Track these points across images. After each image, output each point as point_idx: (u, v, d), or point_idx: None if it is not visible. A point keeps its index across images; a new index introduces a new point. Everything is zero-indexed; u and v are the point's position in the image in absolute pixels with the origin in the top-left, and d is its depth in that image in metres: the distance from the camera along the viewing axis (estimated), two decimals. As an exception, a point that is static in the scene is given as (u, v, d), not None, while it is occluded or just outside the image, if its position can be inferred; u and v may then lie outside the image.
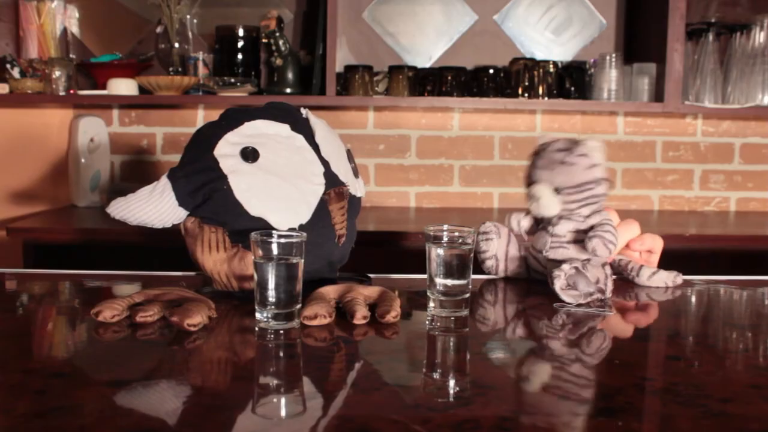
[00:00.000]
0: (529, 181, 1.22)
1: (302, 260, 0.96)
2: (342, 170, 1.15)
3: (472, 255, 1.00)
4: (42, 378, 0.77)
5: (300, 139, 1.13)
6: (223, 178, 1.07)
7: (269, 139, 1.11)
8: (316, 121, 1.17)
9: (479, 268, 1.27)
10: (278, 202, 1.08)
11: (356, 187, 1.18)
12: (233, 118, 1.13)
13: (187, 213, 1.10)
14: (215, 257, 1.09)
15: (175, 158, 1.15)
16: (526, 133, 2.62)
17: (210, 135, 1.11)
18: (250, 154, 1.08)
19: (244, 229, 1.07)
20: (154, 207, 1.08)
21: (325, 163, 1.13)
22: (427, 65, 2.59)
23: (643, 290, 1.24)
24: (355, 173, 1.20)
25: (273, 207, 1.08)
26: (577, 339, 0.98)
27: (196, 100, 2.39)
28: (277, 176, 1.09)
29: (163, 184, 1.08)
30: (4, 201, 2.40)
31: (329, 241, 1.12)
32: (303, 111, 1.17)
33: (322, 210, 1.11)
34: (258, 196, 1.07)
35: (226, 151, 1.09)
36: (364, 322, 0.97)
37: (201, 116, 2.59)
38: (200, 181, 1.08)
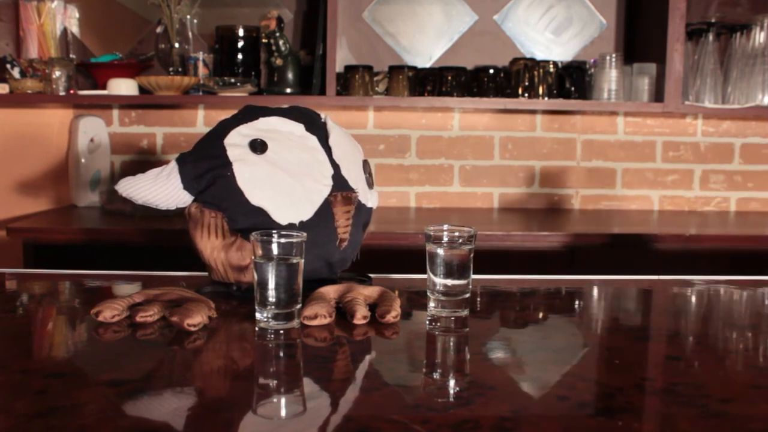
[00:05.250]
0: None
1: (302, 260, 0.96)
2: (353, 176, 1.16)
3: (472, 255, 1.00)
4: (42, 378, 0.77)
5: (313, 139, 1.14)
6: (228, 165, 1.09)
7: (281, 136, 1.13)
8: (334, 126, 1.18)
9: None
10: (280, 195, 1.09)
11: (367, 197, 1.19)
12: (250, 112, 1.15)
13: (192, 198, 1.12)
14: (213, 243, 1.10)
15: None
16: (526, 133, 2.62)
17: (224, 126, 1.14)
18: (258, 146, 1.10)
19: (244, 217, 1.08)
20: (160, 188, 1.10)
21: (336, 166, 1.14)
22: (427, 65, 2.59)
23: (642, 291, 1.24)
24: (369, 184, 1.20)
25: (274, 199, 1.09)
26: (577, 339, 0.98)
27: (196, 100, 2.39)
28: (283, 171, 1.10)
29: (171, 167, 1.11)
30: (4, 201, 2.40)
31: (330, 243, 1.13)
32: (322, 115, 1.19)
33: (326, 211, 1.11)
34: (260, 187, 1.09)
35: (236, 140, 1.11)
36: (364, 322, 0.97)
37: (201, 116, 2.59)
38: (206, 166, 1.10)
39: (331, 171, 1.13)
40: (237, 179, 1.08)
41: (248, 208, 1.08)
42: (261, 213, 1.08)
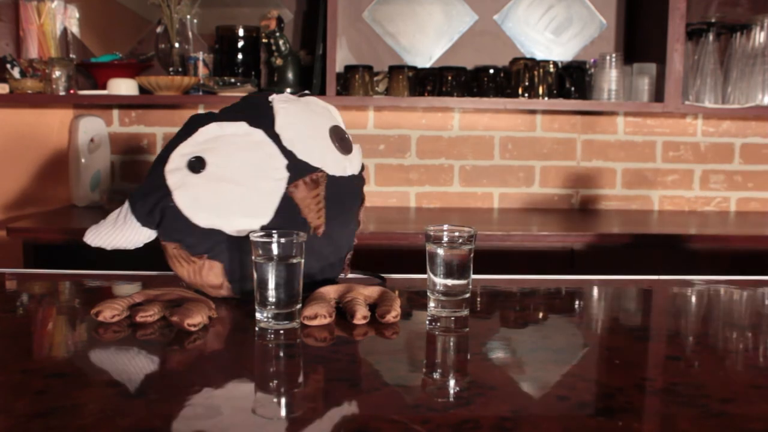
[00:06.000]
0: None
1: (302, 260, 0.96)
2: (316, 153, 1.08)
3: (472, 255, 1.00)
4: (42, 378, 0.77)
5: (258, 133, 1.07)
6: (169, 194, 1.05)
7: (222, 142, 1.07)
8: (283, 106, 1.10)
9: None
10: (230, 208, 1.04)
11: (344, 166, 1.11)
12: (190, 125, 1.10)
13: (154, 231, 1.09)
14: (187, 270, 1.07)
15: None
16: (526, 133, 2.62)
17: (165, 150, 1.09)
18: (196, 165, 1.05)
19: (200, 242, 1.05)
20: (122, 233, 1.07)
21: (289, 154, 1.07)
22: (427, 65, 2.59)
23: (642, 291, 1.24)
24: (345, 150, 1.12)
25: (225, 215, 1.04)
26: (577, 339, 0.98)
27: (196, 100, 2.39)
28: (229, 181, 1.05)
29: (125, 209, 1.08)
30: (4, 201, 2.40)
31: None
32: (271, 98, 1.12)
33: (289, 205, 1.06)
34: (206, 208, 1.04)
35: (176, 164, 1.06)
36: (364, 322, 0.97)
37: (201, 116, 2.59)
38: (153, 200, 1.06)
39: (284, 161, 1.06)
40: (180, 207, 1.04)
41: (201, 231, 1.05)
42: (215, 232, 1.05)
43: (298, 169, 1.06)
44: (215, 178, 1.05)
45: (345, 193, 1.11)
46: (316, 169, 1.07)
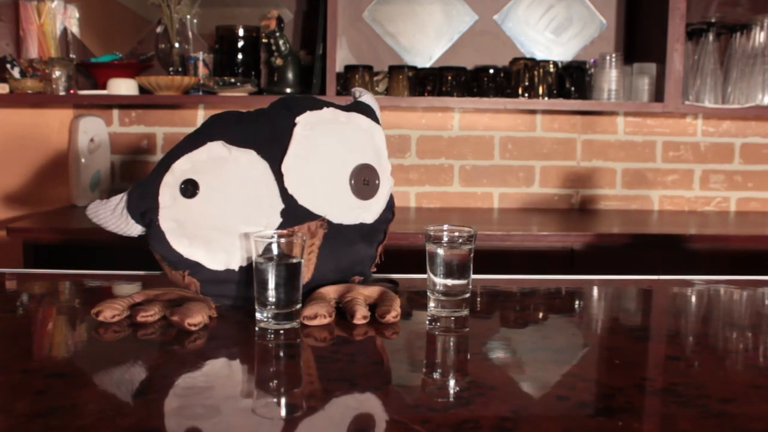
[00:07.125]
0: None
1: (302, 260, 0.96)
2: (321, 200, 1.02)
3: (472, 255, 1.00)
4: (42, 378, 0.77)
5: (262, 167, 1.01)
6: (157, 209, 1.02)
7: (222, 168, 1.01)
8: (304, 134, 1.03)
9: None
10: (212, 243, 1.01)
11: (356, 213, 1.05)
12: (203, 133, 1.04)
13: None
14: (173, 277, 1.06)
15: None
16: (526, 133, 2.62)
17: (174, 151, 1.04)
18: (189, 190, 1.01)
19: (180, 263, 1.03)
20: (116, 222, 1.05)
21: (288, 198, 1.01)
22: (427, 65, 2.59)
23: (642, 291, 1.24)
24: (364, 196, 1.05)
25: (206, 249, 1.02)
26: (577, 339, 0.98)
27: (196, 100, 2.39)
28: (216, 215, 1.01)
29: (123, 200, 1.05)
30: (4, 201, 2.40)
31: None
32: (299, 119, 1.03)
33: None
34: (188, 236, 1.02)
35: (173, 178, 1.02)
36: (364, 322, 0.97)
37: (201, 116, 2.59)
38: (145, 206, 1.03)
39: (280, 206, 1.01)
40: (162, 229, 1.02)
41: (180, 257, 1.03)
42: (195, 263, 1.02)
43: (294, 215, 1.02)
44: (204, 207, 1.01)
45: (344, 244, 1.05)
46: (316, 217, 1.03)
